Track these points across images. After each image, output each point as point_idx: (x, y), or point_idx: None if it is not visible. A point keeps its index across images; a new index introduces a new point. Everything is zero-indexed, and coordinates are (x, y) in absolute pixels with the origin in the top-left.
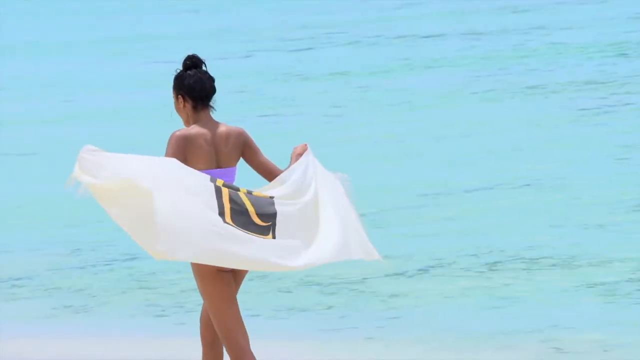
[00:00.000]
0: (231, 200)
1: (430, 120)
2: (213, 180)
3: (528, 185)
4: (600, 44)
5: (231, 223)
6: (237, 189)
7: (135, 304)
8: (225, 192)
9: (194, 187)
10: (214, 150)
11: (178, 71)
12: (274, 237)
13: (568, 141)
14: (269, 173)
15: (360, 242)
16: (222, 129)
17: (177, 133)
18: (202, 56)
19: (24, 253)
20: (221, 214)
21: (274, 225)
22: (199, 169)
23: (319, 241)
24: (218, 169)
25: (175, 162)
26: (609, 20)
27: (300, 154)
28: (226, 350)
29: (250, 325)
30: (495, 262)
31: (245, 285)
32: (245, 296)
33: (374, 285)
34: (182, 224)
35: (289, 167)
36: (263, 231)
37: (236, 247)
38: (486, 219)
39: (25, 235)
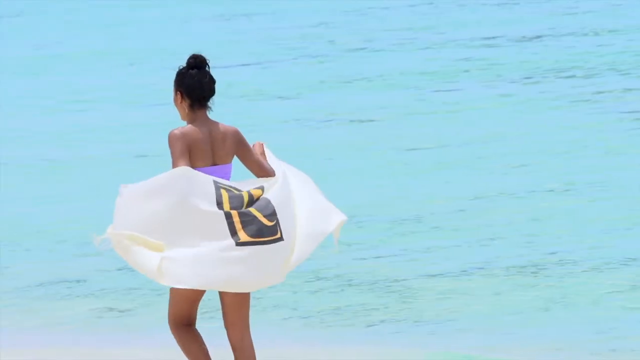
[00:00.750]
0: (240, 214)
1: (482, 125)
2: (220, 204)
3: (578, 188)
4: None
5: (248, 239)
6: (242, 204)
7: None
8: (235, 214)
9: (204, 219)
10: (210, 148)
11: (181, 68)
12: (281, 232)
13: (622, 146)
14: (261, 170)
15: (326, 213)
16: (218, 127)
17: (176, 131)
18: (251, 60)
19: (70, 256)
20: (235, 236)
21: (278, 221)
22: (197, 167)
23: (297, 236)
24: (214, 166)
25: (186, 185)
26: None
27: (261, 153)
28: (169, 326)
29: (287, 330)
30: (547, 264)
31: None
32: (288, 297)
33: (420, 285)
34: (191, 258)
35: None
36: (273, 231)
37: (240, 272)
38: (538, 222)
39: (70, 237)
